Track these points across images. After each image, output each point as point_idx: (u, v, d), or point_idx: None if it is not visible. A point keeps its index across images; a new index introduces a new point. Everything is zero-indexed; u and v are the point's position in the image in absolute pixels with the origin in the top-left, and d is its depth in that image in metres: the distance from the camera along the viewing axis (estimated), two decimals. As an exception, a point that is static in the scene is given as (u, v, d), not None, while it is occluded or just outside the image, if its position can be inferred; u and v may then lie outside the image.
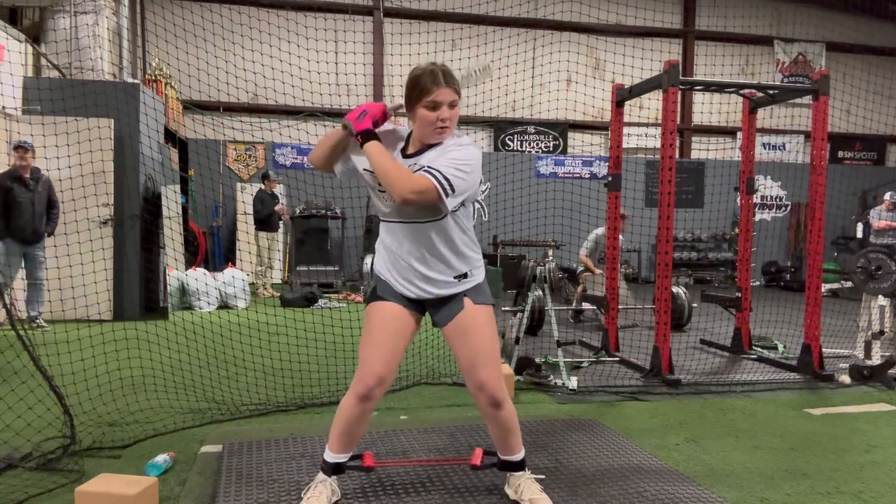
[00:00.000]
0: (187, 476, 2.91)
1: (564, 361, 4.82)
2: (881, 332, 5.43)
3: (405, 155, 2.42)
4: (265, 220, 9.43)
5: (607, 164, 7.20)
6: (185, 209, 9.41)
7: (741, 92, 5.79)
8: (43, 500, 2.64)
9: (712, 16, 13.25)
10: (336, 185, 8.48)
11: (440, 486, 2.76)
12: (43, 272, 6.43)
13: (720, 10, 13.24)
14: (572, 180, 12.27)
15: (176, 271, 8.07)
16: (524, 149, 13.03)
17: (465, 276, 2.47)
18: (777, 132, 13.54)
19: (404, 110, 2.43)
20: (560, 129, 13.08)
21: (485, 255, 11.32)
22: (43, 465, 2.94)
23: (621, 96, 5.62)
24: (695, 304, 7.34)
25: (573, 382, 4.54)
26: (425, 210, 2.34)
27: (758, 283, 12.61)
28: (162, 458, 2.95)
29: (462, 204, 2.37)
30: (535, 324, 6.49)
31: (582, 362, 5.37)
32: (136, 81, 8.26)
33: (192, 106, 11.20)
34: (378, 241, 2.55)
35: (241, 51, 10.72)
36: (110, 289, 6.92)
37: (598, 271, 7.45)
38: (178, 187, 8.72)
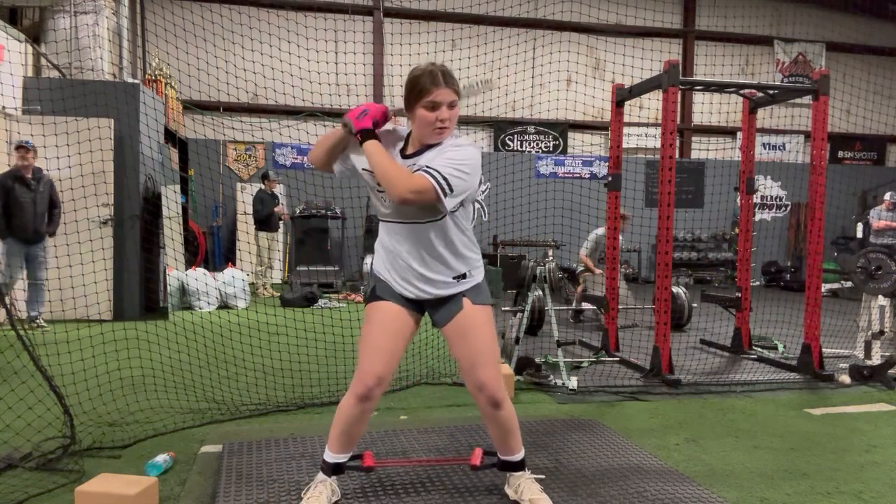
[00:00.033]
0: (187, 476, 2.91)
1: (564, 361, 4.82)
2: (881, 332, 5.43)
3: (404, 155, 2.42)
4: (265, 220, 9.43)
5: (607, 164, 7.20)
6: (185, 209, 9.41)
7: (741, 92, 5.79)
8: (43, 500, 2.64)
9: (712, 16, 13.25)
10: (336, 185, 8.50)
11: (440, 486, 2.76)
12: (44, 272, 6.43)
13: (720, 10, 13.24)
14: (572, 180, 12.27)
15: (176, 271, 8.07)
16: (524, 149, 13.03)
17: (463, 276, 2.47)
18: (777, 132, 13.54)
19: (404, 125, 2.44)
20: (560, 129, 13.08)
21: (485, 255, 11.28)
22: (43, 465, 2.94)
23: (621, 96, 5.62)
24: (695, 304, 7.34)
25: (573, 382, 4.54)
26: (424, 210, 2.34)
27: (758, 283, 12.61)
28: (162, 458, 2.95)
29: (461, 204, 2.37)
30: (535, 324, 6.49)
31: (582, 362, 5.37)
32: (136, 81, 8.27)
33: (192, 106, 11.20)
34: (377, 241, 2.55)
35: (241, 51, 10.72)
36: (110, 289, 6.92)
37: (598, 271, 7.45)
38: (178, 187, 8.72)
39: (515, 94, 12.23)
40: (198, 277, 8.14)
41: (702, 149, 13.83)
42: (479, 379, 2.44)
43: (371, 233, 10.75)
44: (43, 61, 8.24)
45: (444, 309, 2.47)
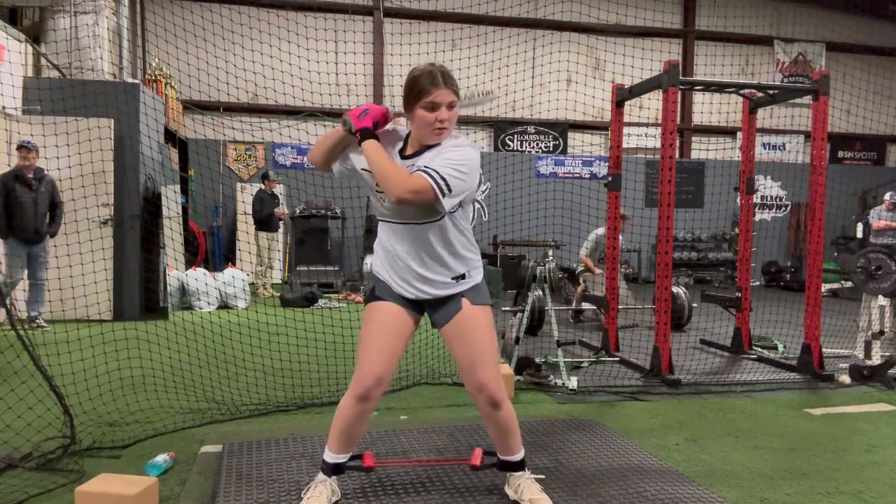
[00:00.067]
0: (187, 476, 2.91)
1: (564, 361, 4.82)
2: (881, 332, 5.43)
3: (403, 156, 2.42)
4: (265, 220, 9.43)
5: (607, 164, 7.20)
6: (185, 209, 9.41)
7: (741, 92, 5.79)
8: (43, 500, 2.64)
9: (712, 16, 13.25)
10: (336, 185, 8.49)
11: (440, 486, 2.76)
12: (44, 272, 6.43)
13: (720, 10, 13.24)
14: (572, 180, 12.27)
15: (176, 271, 8.07)
16: (524, 149, 13.03)
17: (462, 276, 2.46)
18: (777, 132, 13.54)
19: (403, 124, 2.44)
20: (560, 129, 13.08)
21: (485, 255, 11.32)
22: (43, 465, 2.94)
23: (621, 96, 5.62)
24: (695, 304, 7.34)
25: (573, 382, 4.54)
26: (423, 211, 2.34)
27: (758, 283, 12.61)
28: (162, 458, 2.95)
29: (460, 205, 2.37)
30: (535, 324, 6.49)
31: (582, 362, 5.37)
32: (136, 81, 8.27)
33: (192, 106, 11.20)
34: (376, 241, 2.55)
35: (241, 51, 10.72)
36: (110, 289, 6.92)
37: (598, 271, 7.45)
38: (178, 187, 8.72)
39: (515, 94, 12.24)
40: (198, 277, 8.14)
41: (702, 149, 13.83)
42: (479, 379, 2.44)
43: (371, 233, 10.75)
44: (43, 61, 8.24)
45: (443, 309, 2.47)
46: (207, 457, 3.13)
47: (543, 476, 2.78)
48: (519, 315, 5.08)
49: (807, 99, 5.28)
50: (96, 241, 6.63)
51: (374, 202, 2.49)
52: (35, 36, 8.55)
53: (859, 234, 12.35)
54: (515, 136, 12.99)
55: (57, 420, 3.33)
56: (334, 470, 2.56)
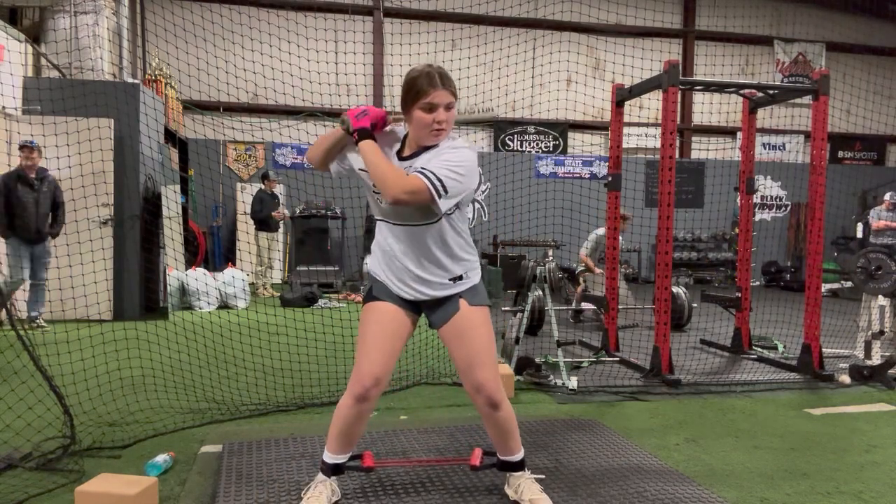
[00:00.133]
0: (187, 476, 2.91)
1: (564, 361, 4.82)
2: (881, 332, 5.43)
3: (401, 157, 2.41)
4: (265, 220, 9.43)
5: (607, 164, 7.20)
6: (185, 209, 9.41)
7: (741, 92, 5.79)
8: (43, 500, 2.64)
9: (712, 16, 13.25)
10: (336, 185, 8.46)
11: (440, 486, 2.76)
12: (45, 273, 6.43)
13: (720, 10, 13.24)
14: (572, 180, 12.27)
15: (176, 271, 8.07)
16: (524, 149, 13.03)
17: (460, 278, 2.46)
18: (777, 132, 13.54)
19: (402, 124, 2.43)
20: (560, 129, 13.08)
21: (485, 255, 11.32)
22: (43, 465, 2.94)
23: (621, 96, 5.62)
24: (695, 304, 7.34)
25: (573, 382, 4.54)
26: (420, 212, 2.34)
27: (758, 283, 12.61)
28: (162, 458, 2.95)
29: (457, 206, 2.36)
30: (535, 324, 6.49)
31: (582, 362, 5.37)
32: (136, 81, 8.27)
33: (192, 106, 11.20)
34: (374, 241, 2.55)
35: (241, 51, 10.72)
36: (110, 289, 6.92)
37: (598, 271, 7.45)
38: (178, 187, 8.72)
39: (515, 94, 12.24)
40: (198, 277, 8.14)
41: (702, 149, 13.83)
42: (477, 380, 2.43)
43: (371, 233, 10.73)
44: (43, 61, 8.24)
45: (440, 310, 2.47)
46: (207, 457, 3.13)
47: (543, 476, 2.78)
48: (519, 315, 5.08)
49: (807, 99, 5.28)
50: (96, 241, 6.63)
51: (372, 203, 2.49)
52: (35, 36, 8.55)
53: (859, 234, 12.35)
54: (515, 136, 12.99)
55: (57, 420, 3.33)
56: (334, 470, 2.56)
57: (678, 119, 5.33)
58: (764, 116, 11.31)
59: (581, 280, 7.78)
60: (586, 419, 3.82)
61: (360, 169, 2.45)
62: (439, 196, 2.23)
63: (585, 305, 7.61)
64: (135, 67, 10.42)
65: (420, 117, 2.29)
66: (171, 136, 9.78)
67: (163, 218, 7.71)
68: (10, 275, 6.16)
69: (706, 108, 13.10)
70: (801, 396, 4.55)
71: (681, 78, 4.86)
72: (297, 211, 10.77)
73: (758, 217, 13.57)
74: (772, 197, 14.13)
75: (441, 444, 3.30)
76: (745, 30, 13.43)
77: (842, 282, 7.78)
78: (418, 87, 2.27)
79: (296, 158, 12.04)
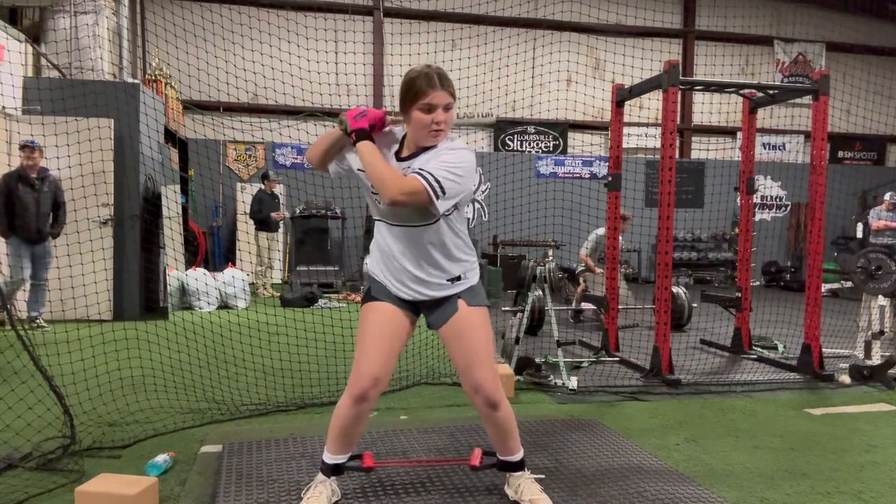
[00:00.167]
0: (187, 476, 2.91)
1: (564, 361, 4.82)
2: (881, 332, 5.43)
3: (399, 158, 2.41)
4: (265, 220, 9.43)
5: (607, 164, 7.20)
6: (185, 209, 9.41)
7: (741, 92, 5.79)
8: (43, 500, 2.64)
9: (712, 16, 13.26)
10: (336, 185, 8.46)
11: (440, 486, 2.76)
12: (46, 273, 6.43)
13: (720, 10, 13.24)
14: (572, 180, 12.27)
15: (176, 271, 8.07)
16: (524, 149, 13.03)
17: (458, 278, 2.46)
18: (777, 132, 13.55)
19: (401, 125, 2.43)
20: (560, 129, 13.08)
21: (485, 255, 11.29)
22: (43, 465, 2.94)
23: (621, 96, 5.62)
24: (695, 304, 7.34)
25: (573, 382, 4.54)
26: (418, 213, 2.33)
27: (758, 283, 12.61)
28: (162, 458, 2.95)
29: (455, 207, 2.36)
30: (535, 324, 6.49)
31: (582, 362, 5.37)
32: (136, 81, 8.27)
33: (192, 106, 11.21)
34: (373, 242, 2.55)
35: (241, 51, 10.72)
36: (110, 289, 6.92)
37: (598, 270, 7.45)
38: (178, 187, 8.72)
39: (515, 94, 12.24)
40: (198, 277, 8.14)
41: (702, 149, 13.83)
42: (476, 380, 2.43)
43: (371, 233, 10.68)
44: (43, 61, 8.24)
45: (439, 311, 2.47)
46: (207, 457, 3.13)
47: (543, 476, 2.78)
48: (519, 315, 5.08)
49: (807, 99, 5.28)
50: (96, 241, 6.63)
51: (370, 203, 2.49)
52: (35, 36, 8.55)
53: (859, 234, 12.35)
54: (515, 136, 12.99)
55: (57, 420, 3.33)
56: (333, 470, 2.56)
57: (678, 119, 5.33)
58: (764, 116, 11.31)
59: (581, 280, 7.78)
60: (586, 419, 3.82)
61: (358, 169, 2.45)
62: (437, 197, 2.22)
63: (585, 305, 7.61)
64: (135, 67, 10.42)
65: (418, 118, 2.29)
66: (171, 136, 9.78)
67: (163, 218, 7.71)
68: (11, 275, 6.15)
69: (706, 108, 13.10)
70: (801, 396, 4.55)
71: (681, 78, 4.86)
72: (297, 211, 10.77)
73: (758, 217, 13.58)
74: (772, 197, 14.13)
75: (441, 444, 3.30)
76: (745, 30, 13.43)
77: (842, 282, 7.78)
78: (417, 88, 2.27)
79: (296, 158, 12.04)
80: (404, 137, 2.44)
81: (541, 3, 12.61)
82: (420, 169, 2.26)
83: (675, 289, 7.10)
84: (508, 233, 11.57)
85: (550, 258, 6.31)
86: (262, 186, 9.58)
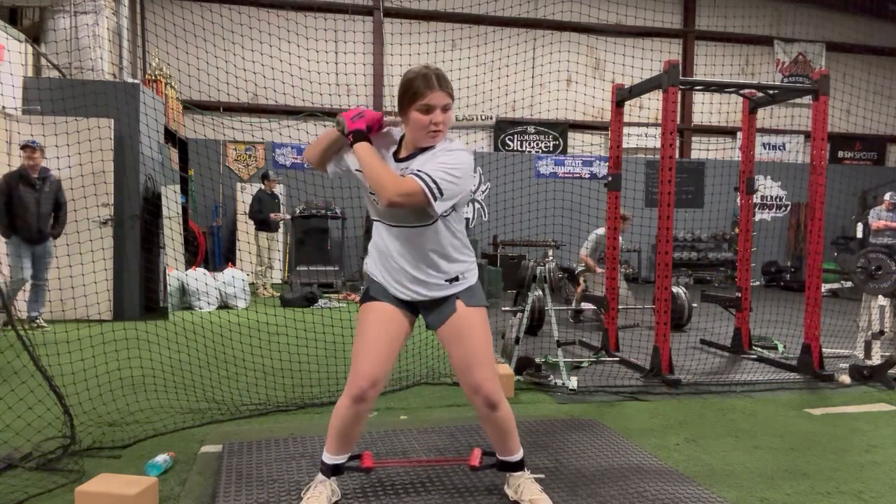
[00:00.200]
0: (187, 476, 2.91)
1: (564, 361, 4.82)
2: (881, 332, 5.43)
3: (397, 159, 2.41)
4: (265, 220, 9.43)
5: (607, 164, 7.20)
6: (185, 209, 9.41)
7: (741, 92, 5.79)
8: (43, 500, 2.64)
9: (712, 16, 13.26)
10: (336, 185, 8.49)
11: (440, 486, 2.76)
12: (46, 273, 6.43)
13: (720, 10, 13.24)
14: (572, 180, 12.27)
15: (176, 271, 8.07)
16: (524, 149, 13.03)
17: (456, 279, 2.46)
18: (777, 132, 13.55)
19: (399, 125, 2.43)
20: (560, 129, 13.08)
21: (485, 255, 11.28)
22: (43, 465, 2.94)
23: (621, 96, 5.62)
24: (695, 304, 7.33)
25: (573, 382, 4.54)
26: (415, 214, 2.33)
27: (758, 283, 12.61)
28: (162, 458, 2.95)
29: (453, 208, 2.36)
30: (535, 324, 6.49)
31: (582, 362, 5.37)
32: (136, 81, 8.27)
33: (192, 106, 11.21)
34: (371, 242, 2.55)
35: (241, 51, 10.72)
36: (110, 289, 6.92)
37: (599, 270, 7.45)
38: (178, 187, 8.72)
39: (515, 94, 12.24)
40: (198, 277, 8.14)
41: (702, 149, 13.83)
42: (475, 381, 2.43)
43: (370, 233, 10.73)
44: (43, 61, 8.24)
45: (437, 311, 2.47)
46: (207, 457, 3.13)
47: (543, 476, 2.78)
48: (519, 315, 5.08)
49: (807, 99, 5.28)
50: (96, 241, 6.63)
51: (369, 203, 2.48)
52: (35, 36, 8.55)
53: (859, 234, 12.35)
54: (515, 136, 12.99)
55: (57, 420, 3.33)
56: (333, 471, 2.55)
57: (678, 119, 5.33)
58: (764, 116, 11.32)
59: (582, 280, 7.78)
60: (586, 419, 3.82)
61: (356, 170, 2.45)
62: (435, 198, 2.22)
63: (585, 305, 7.61)
64: (135, 67, 10.42)
65: (417, 119, 2.29)
66: (171, 136, 9.78)
67: (163, 218, 7.71)
68: (11, 275, 6.15)
69: (706, 108, 13.10)
70: (801, 396, 4.55)
71: (681, 78, 4.86)
72: (297, 211, 10.77)
73: (758, 217, 13.58)
74: (772, 197, 14.13)
75: (441, 444, 3.30)
76: (745, 30, 13.43)
77: (842, 282, 7.78)
78: (415, 89, 2.26)
79: (296, 158, 12.04)
80: (402, 138, 2.44)
81: (541, 3, 12.62)
82: (418, 170, 2.26)
83: (675, 289, 7.10)
84: (508, 233, 11.57)
85: (550, 258, 6.30)
86: (262, 186, 9.58)
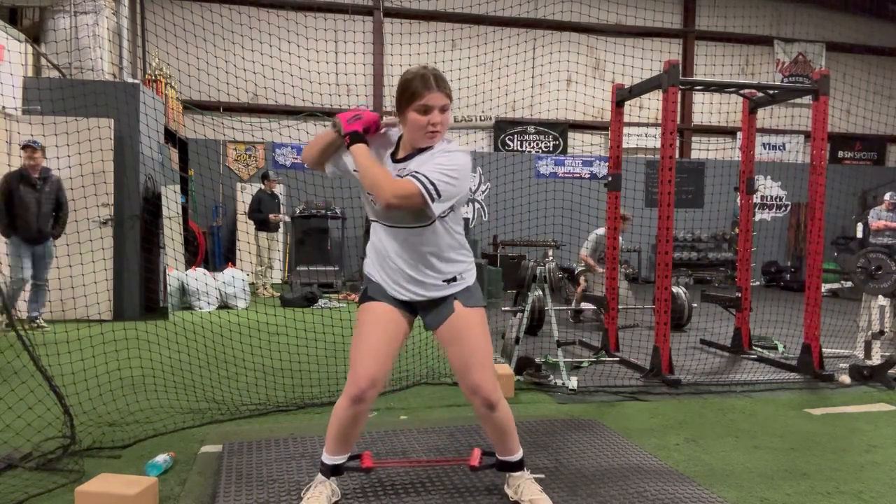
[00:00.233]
0: (187, 476, 2.91)
1: (564, 361, 4.82)
2: (881, 332, 5.43)
3: (395, 159, 2.41)
4: (265, 220, 9.43)
5: (607, 164, 7.20)
6: (185, 209, 9.41)
7: (741, 92, 5.79)
8: (43, 500, 2.64)
9: (712, 16, 13.26)
10: (336, 186, 8.50)
11: (440, 486, 2.76)
12: (46, 273, 6.42)
13: (720, 10, 13.24)
14: (572, 180, 12.27)
15: (176, 271, 8.07)
16: (524, 149, 13.03)
17: (454, 279, 2.45)
18: (777, 132, 13.55)
19: (397, 125, 2.43)
20: (560, 129, 13.08)
21: (485, 255, 11.27)
22: (43, 465, 2.94)
23: (621, 96, 5.62)
24: (695, 304, 7.33)
25: (573, 382, 4.54)
26: (413, 215, 2.33)
27: (758, 283, 12.61)
28: (162, 458, 2.95)
29: (451, 209, 2.35)
30: (535, 324, 6.49)
31: (582, 362, 5.37)
32: (136, 81, 8.27)
33: (192, 106, 11.21)
34: (369, 243, 2.55)
35: (241, 51, 10.72)
36: (110, 289, 6.92)
37: (599, 269, 7.45)
38: (178, 187, 8.72)
39: (515, 94, 12.24)
40: (198, 277, 8.14)
41: (702, 149, 13.83)
42: (473, 381, 2.43)
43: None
44: (43, 61, 8.24)
45: (435, 311, 2.47)
46: (207, 457, 3.13)
47: (543, 476, 2.78)
48: (519, 315, 5.08)
49: (807, 99, 5.28)
50: (96, 241, 6.62)
51: (366, 204, 2.48)
52: (35, 36, 8.55)
53: (859, 234, 12.36)
54: (515, 136, 12.99)
55: (57, 420, 3.33)
56: (333, 471, 2.55)
57: (678, 119, 5.33)
58: (764, 116, 11.31)
59: (583, 280, 7.78)
60: (586, 419, 3.82)
61: (354, 170, 2.45)
62: (432, 200, 2.22)
63: (585, 305, 7.62)
64: (135, 67, 10.42)
65: (414, 119, 2.28)
66: (171, 136, 9.78)
67: (163, 218, 7.71)
68: (11, 275, 6.15)
69: (706, 108, 13.10)
70: (801, 396, 4.55)
71: (681, 78, 4.86)
72: (297, 211, 10.77)
73: (758, 217, 13.58)
74: (772, 197, 14.13)
75: (441, 444, 3.30)
76: (745, 30, 13.43)
77: (842, 282, 7.78)
78: (413, 89, 2.26)
79: (296, 158, 12.04)
80: (400, 138, 2.44)
81: (541, 3, 12.62)
82: (415, 172, 2.26)
83: (675, 289, 7.10)
84: (508, 233, 11.57)
85: (550, 258, 6.30)
86: (262, 186, 9.58)
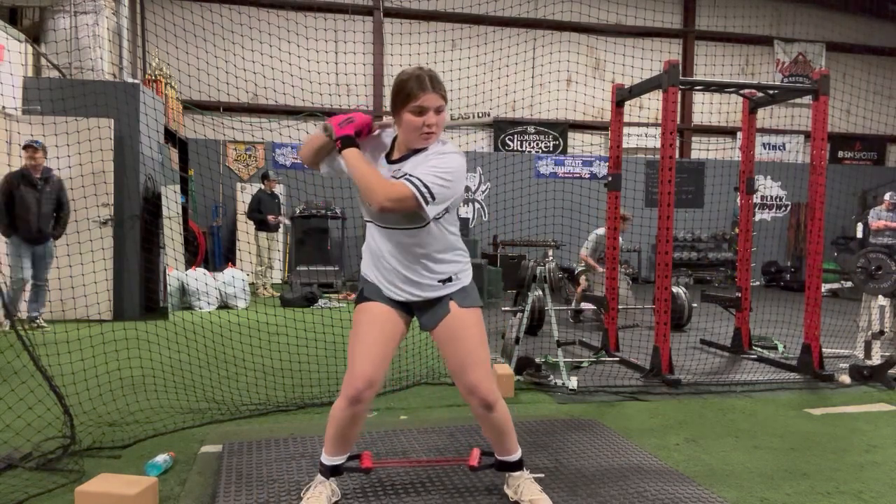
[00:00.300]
0: (187, 476, 2.91)
1: (564, 361, 4.82)
2: (881, 332, 5.43)
3: (390, 160, 2.40)
4: (265, 220, 9.43)
5: (607, 164, 7.20)
6: (185, 209, 9.41)
7: (741, 92, 5.79)
8: (43, 500, 2.64)
9: (712, 16, 13.26)
10: (336, 186, 8.49)
11: (440, 486, 2.76)
12: (47, 273, 6.42)
13: (720, 10, 13.24)
14: (572, 180, 12.27)
15: (176, 271, 8.07)
16: (524, 149, 13.04)
17: (449, 279, 2.45)
18: (777, 132, 13.55)
19: (392, 126, 2.42)
20: (560, 129, 13.08)
21: (485, 255, 11.26)
22: (43, 465, 2.94)
23: (621, 96, 5.62)
24: (695, 304, 7.33)
25: (573, 382, 4.54)
26: (408, 217, 2.32)
27: (758, 283, 12.62)
28: (162, 458, 2.95)
29: (446, 210, 2.35)
30: (535, 324, 6.49)
31: (582, 362, 5.37)
32: (136, 81, 8.27)
33: (192, 106, 11.21)
34: (365, 243, 2.54)
35: (241, 51, 10.72)
36: (110, 289, 6.92)
37: (600, 269, 7.45)
38: (178, 187, 8.72)
39: (515, 94, 12.24)
40: (198, 277, 8.14)
41: (702, 149, 13.83)
42: (470, 381, 2.42)
43: (371, 233, 10.74)
44: (43, 61, 8.24)
45: (431, 312, 2.46)
46: (207, 457, 3.13)
47: (543, 476, 2.78)
48: (519, 315, 5.08)
49: (807, 99, 5.28)
50: (96, 241, 6.63)
51: (361, 205, 2.48)
52: (35, 36, 8.55)
53: (859, 234, 12.36)
54: (515, 136, 12.99)
55: (57, 420, 3.33)
56: (332, 472, 2.55)
57: (678, 119, 5.33)
58: (764, 116, 11.31)
59: (583, 280, 7.78)
60: (586, 419, 3.82)
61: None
62: (426, 202, 2.22)
63: (585, 305, 7.62)
64: (135, 67, 10.42)
65: (409, 120, 2.28)
66: (171, 136, 9.78)
67: (163, 218, 7.71)
68: (11, 275, 6.15)
69: (706, 108, 13.10)
70: (801, 396, 4.55)
71: (681, 78, 4.86)
72: (297, 211, 10.77)
73: (758, 217, 13.58)
74: (772, 197, 14.13)
75: (441, 444, 3.30)
76: (745, 30, 13.43)
77: (842, 282, 7.78)
78: (408, 90, 2.25)
79: (296, 158, 12.03)
80: (395, 140, 2.43)
81: (541, 3, 12.62)
82: (409, 175, 2.25)
83: (675, 289, 7.10)
84: (508, 233, 11.57)
85: (550, 258, 6.30)
86: (262, 186, 9.57)
